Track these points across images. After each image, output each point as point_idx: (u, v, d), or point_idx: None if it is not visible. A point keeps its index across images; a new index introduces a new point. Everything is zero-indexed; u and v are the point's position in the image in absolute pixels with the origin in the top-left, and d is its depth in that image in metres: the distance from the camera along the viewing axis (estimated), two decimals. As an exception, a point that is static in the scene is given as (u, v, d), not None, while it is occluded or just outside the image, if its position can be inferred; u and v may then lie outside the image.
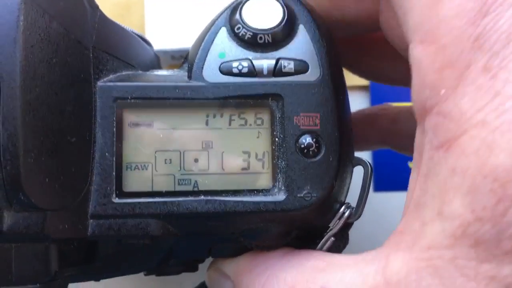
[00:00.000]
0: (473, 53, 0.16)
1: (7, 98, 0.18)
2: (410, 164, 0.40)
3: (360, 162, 0.24)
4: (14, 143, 0.18)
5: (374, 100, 0.40)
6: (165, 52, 0.36)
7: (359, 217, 0.24)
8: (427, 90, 0.17)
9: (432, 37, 0.17)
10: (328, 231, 0.24)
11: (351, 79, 0.25)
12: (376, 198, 0.40)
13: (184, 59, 0.25)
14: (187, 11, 0.36)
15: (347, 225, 0.24)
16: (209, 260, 0.27)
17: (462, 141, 0.16)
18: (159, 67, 0.29)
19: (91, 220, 0.21)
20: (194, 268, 0.28)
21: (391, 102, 0.41)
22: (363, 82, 0.40)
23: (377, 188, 0.40)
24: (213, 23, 0.24)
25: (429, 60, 0.17)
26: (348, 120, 0.24)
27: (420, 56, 0.18)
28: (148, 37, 0.32)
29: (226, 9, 0.24)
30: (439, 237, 0.16)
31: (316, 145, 0.22)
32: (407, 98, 0.40)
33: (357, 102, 0.40)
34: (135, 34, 0.27)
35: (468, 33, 0.17)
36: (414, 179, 0.19)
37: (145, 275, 0.28)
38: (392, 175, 0.40)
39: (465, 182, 0.16)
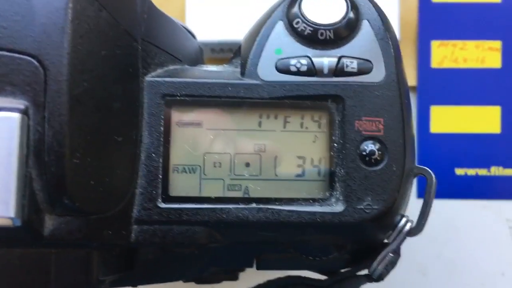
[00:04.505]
0: None
1: (53, 93, 0.17)
2: (457, 171, 0.38)
3: (422, 171, 0.22)
4: (60, 142, 0.16)
5: (421, 101, 0.38)
6: (205, 45, 0.34)
7: (420, 231, 0.22)
8: None
9: None
10: (385, 245, 0.22)
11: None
12: (419, 205, 0.38)
13: (234, 54, 0.24)
14: (230, 2, 0.34)
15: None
16: (249, 269, 0.26)
17: None
18: (203, 61, 0.28)
19: (135, 226, 0.20)
20: (234, 277, 0.27)
21: (437, 104, 0.38)
22: (410, 83, 0.38)
23: (421, 195, 0.38)
24: (268, 16, 0.22)
25: None
26: (411, 125, 0.22)
27: None
28: (188, 28, 0.30)
29: (283, 1, 0.22)
30: None
31: (379, 152, 0.21)
32: (453, 101, 0.39)
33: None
34: (181, 25, 0.25)
35: None
36: None
37: (184, 281, 0.26)
38: (438, 182, 0.37)
39: None
